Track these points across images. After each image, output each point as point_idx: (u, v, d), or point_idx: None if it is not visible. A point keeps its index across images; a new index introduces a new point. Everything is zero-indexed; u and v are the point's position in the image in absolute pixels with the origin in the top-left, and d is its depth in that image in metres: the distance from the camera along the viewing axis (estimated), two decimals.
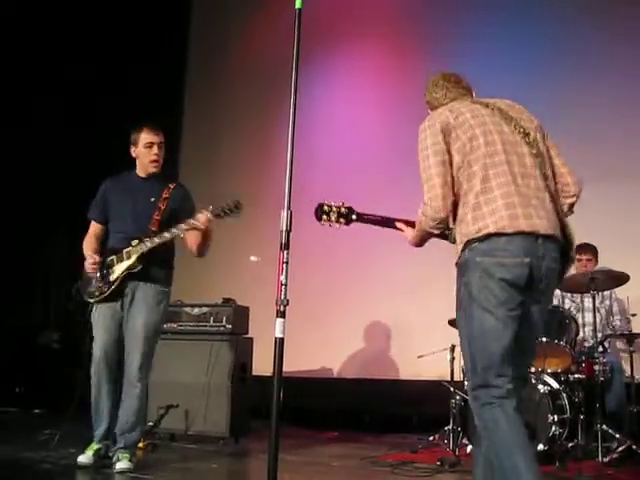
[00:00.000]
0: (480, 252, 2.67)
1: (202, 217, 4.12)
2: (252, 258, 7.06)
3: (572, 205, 2.93)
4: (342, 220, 3.13)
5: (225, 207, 4.08)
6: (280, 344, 2.51)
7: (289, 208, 2.64)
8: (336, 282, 7.28)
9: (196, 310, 5.80)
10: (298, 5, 3.01)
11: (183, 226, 4.16)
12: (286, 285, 2.57)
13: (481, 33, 7.07)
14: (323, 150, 7.68)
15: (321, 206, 3.13)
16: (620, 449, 4.69)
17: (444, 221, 2.78)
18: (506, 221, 2.63)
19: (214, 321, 5.73)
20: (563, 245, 2.76)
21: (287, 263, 2.58)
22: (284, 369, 2.52)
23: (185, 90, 8.97)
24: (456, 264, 2.79)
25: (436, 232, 2.85)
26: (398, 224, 3.10)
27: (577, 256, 5.48)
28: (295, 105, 2.81)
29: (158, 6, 8.36)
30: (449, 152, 2.78)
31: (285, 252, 2.58)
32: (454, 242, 2.83)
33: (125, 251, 4.24)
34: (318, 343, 7.15)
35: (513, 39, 6.91)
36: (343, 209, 3.14)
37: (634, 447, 4.69)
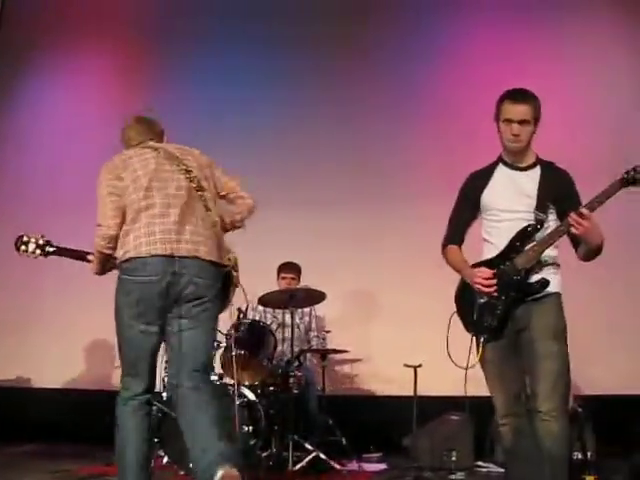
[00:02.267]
0: (124, 272, 3.16)
1: None
2: None
3: (248, 212, 3.51)
4: (39, 251, 3.62)
5: None
6: None
7: None
8: (41, 290, 6.91)
9: None
10: None
11: None
12: None
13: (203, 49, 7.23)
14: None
15: (20, 237, 3.62)
16: (309, 458, 4.93)
17: (112, 241, 3.22)
18: (144, 247, 3.12)
19: None
20: (217, 266, 3.28)
21: None
22: None
23: None
24: None
25: (107, 252, 3.25)
26: (89, 257, 3.48)
27: (282, 274, 5.78)
28: None
29: None
30: (118, 194, 3.24)
31: None
32: None
33: None
34: (20, 351, 6.78)
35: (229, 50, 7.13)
36: (41, 241, 3.63)
37: (322, 456, 4.97)
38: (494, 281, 3.20)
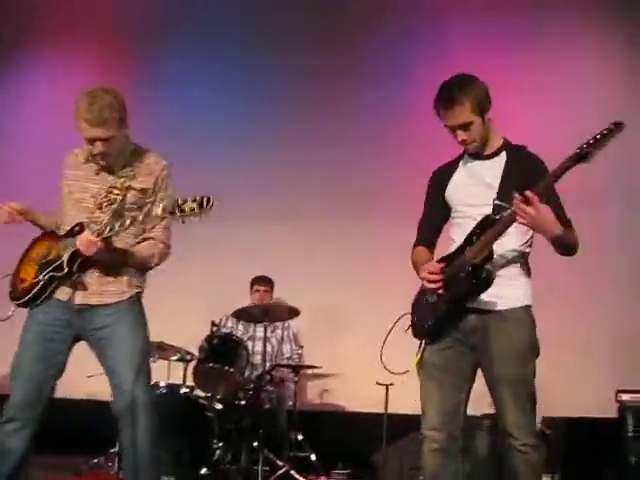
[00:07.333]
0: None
1: None
2: None
3: None
4: None
5: None
6: None
7: None
8: None
9: None
10: None
11: None
12: None
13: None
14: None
15: None
16: (279, 473, 4.91)
17: None
18: None
19: None
20: None
21: None
22: None
23: None
24: None
25: None
26: None
27: (255, 286, 5.77)
28: None
29: None
30: None
31: None
32: None
33: None
34: None
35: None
36: None
37: (292, 472, 4.96)
38: (440, 276, 2.80)
